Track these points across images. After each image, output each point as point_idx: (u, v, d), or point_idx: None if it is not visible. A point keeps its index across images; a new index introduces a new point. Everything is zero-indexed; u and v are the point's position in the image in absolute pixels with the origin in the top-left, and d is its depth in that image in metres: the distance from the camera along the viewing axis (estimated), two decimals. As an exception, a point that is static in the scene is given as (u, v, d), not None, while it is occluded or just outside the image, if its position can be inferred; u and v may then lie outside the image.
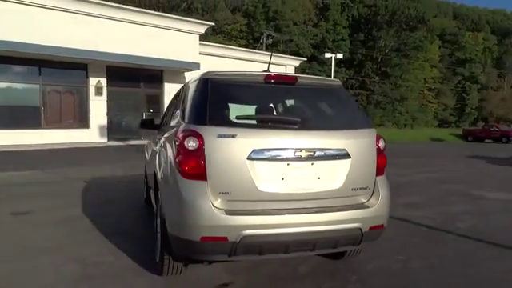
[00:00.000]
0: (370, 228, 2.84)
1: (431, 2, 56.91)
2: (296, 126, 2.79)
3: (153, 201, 3.84)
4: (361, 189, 2.90)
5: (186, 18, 17.40)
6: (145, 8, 16.74)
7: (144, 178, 6.15)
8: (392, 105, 51.41)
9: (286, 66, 21.91)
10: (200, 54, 17.05)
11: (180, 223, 2.63)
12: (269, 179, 2.66)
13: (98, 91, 15.41)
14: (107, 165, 10.58)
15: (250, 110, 3.05)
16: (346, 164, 2.84)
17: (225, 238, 2.54)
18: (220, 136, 2.62)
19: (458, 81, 59.05)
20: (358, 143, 2.91)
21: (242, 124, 2.72)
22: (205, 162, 2.60)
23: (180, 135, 2.71)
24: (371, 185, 2.95)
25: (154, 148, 4.08)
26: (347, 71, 51.34)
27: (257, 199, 2.65)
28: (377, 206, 2.88)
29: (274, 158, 2.67)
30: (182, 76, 17.37)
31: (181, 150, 2.67)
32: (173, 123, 3.41)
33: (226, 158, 2.63)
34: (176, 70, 16.86)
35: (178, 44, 16.33)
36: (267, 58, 21.58)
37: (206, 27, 17.57)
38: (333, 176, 2.81)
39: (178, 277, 3.16)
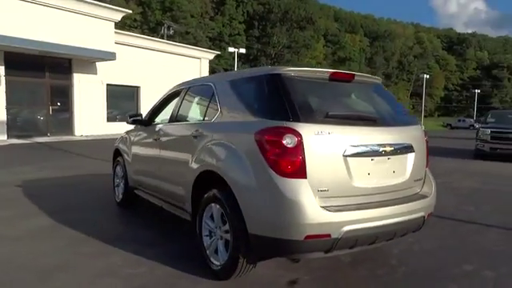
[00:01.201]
0: (428, 215, 3.14)
1: (316, 4, 61.51)
2: (375, 123, 2.95)
3: (187, 206, 3.58)
4: (418, 180, 3.17)
5: (100, 3, 15.87)
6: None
7: (116, 179, 5.61)
8: (285, 99, 54.30)
9: (200, 58, 21.60)
10: (116, 43, 15.78)
11: (279, 223, 2.56)
12: (360, 175, 2.75)
13: (-5, 81, 13.23)
14: (26, 166, 9.24)
15: (325, 106, 3.06)
16: (411, 158, 3.08)
17: (328, 235, 2.56)
18: (318, 133, 2.62)
19: (339, 78, 64.99)
20: (417, 137, 3.18)
21: (333, 121, 2.74)
22: (304, 159, 2.58)
23: (272, 132, 2.63)
24: (423, 175, 3.24)
25: (176, 148, 3.78)
26: (243, 65, 52.64)
27: (351, 195, 2.72)
28: (432, 195, 3.19)
29: (363, 154, 2.77)
30: (93, 66, 15.90)
31: (275, 148, 2.59)
32: (218, 120, 3.25)
33: (323, 154, 2.63)
34: (87, 59, 15.34)
35: (90, 31, 14.83)
36: (184, 51, 20.99)
37: (122, 14, 16.27)
38: (403, 169, 3.03)
39: (242, 279, 3.04)
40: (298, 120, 2.63)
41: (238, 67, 37.07)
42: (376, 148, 2.83)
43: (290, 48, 54.32)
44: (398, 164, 2.98)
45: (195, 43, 43.81)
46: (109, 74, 16.14)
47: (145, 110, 17.94)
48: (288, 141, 2.57)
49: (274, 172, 2.58)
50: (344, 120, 2.79)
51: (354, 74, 3.16)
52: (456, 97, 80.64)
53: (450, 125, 54.88)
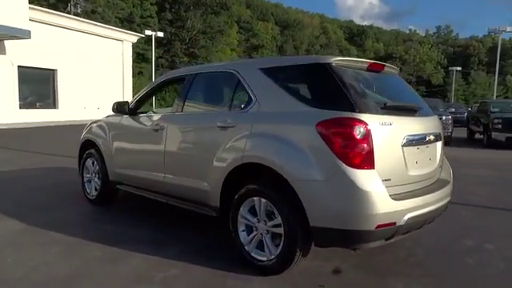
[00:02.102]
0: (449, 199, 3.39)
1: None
2: (416, 113, 3.07)
3: (212, 201, 3.36)
4: (440, 166, 3.40)
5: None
6: None
7: (86, 174, 5.05)
8: (200, 85, 53.73)
9: (123, 41, 20.10)
10: (30, 20, 13.88)
11: (350, 215, 2.55)
12: (411, 163, 2.86)
13: None
14: None
15: (376, 96, 3.07)
16: (439, 145, 3.28)
17: (394, 223, 2.62)
18: (382, 124, 2.65)
19: (253, 64, 66.02)
20: (440, 126, 3.40)
21: (390, 112, 2.78)
22: (372, 150, 2.59)
23: (341, 124, 2.59)
24: (442, 162, 3.48)
25: (206, 141, 3.44)
26: (156, 50, 50.49)
27: (406, 183, 2.82)
28: (452, 180, 3.45)
29: (414, 143, 2.88)
30: (1, 45, 13.83)
31: (345, 139, 2.56)
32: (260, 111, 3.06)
33: (386, 145, 2.68)
34: (-5, 36, 13.30)
35: (-1, 4, 12.86)
36: (106, 32, 19.44)
37: (37, -13, 14.35)
38: (435, 157, 3.22)
39: (290, 272, 2.97)
40: (363, 111, 2.63)
41: (144, 51, 35.44)
42: (422, 137, 2.97)
43: (204, 33, 53.37)
44: (432, 152, 3.17)
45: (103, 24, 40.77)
46: (21, 54, 14.22)
47: (63, 95, 16.32)
48: (358, 132, 2.56)
49: (343, 164, 2.55)
50: (397, 111, 2.87)
51: (384, 65, 3.24)
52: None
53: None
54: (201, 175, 3.42)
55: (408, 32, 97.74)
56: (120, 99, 21.71)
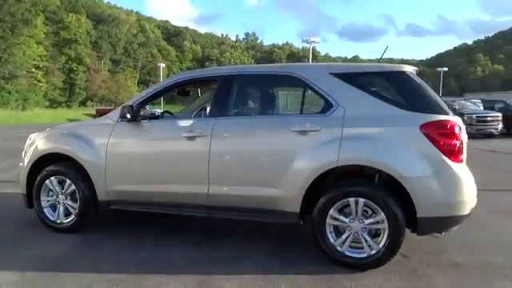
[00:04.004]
0: None
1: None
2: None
3: (289, 207, 3.26)
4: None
5: None
6: None
7: (46, 197, 4.00)
8: (-1, 83, 45.62)
9: None
10: None
11: (455, 203, 3.01)
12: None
13: None
14: None
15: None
16: None
17: (472, 207, 3.20)
18: (462, 124, 3.18)
19: (65, 61, 59.50)
20: None
21: (456, 114, 3.32)
22: (463, 146, 3.09)
23: (445, 125, 3.00)
24: None
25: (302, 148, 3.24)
26: None
27: None
28: None
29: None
30: None
31: (450, 138, 3.00)
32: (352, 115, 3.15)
33: (464, 142, 3.20)
34: None
35: None
36: None
37: None
38: None
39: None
40: (451, 114, 3.13)
41: None
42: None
43: (3, 21, 44.99)
44: None
45: None
46: None
47: None
48: (457, 132, 3.03)
49: (449, 159, 2.98)
50: (455, 112, 3.44)
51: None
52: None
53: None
54: (271, 182, 3.28)
55: (221, 36, 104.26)
56: None
